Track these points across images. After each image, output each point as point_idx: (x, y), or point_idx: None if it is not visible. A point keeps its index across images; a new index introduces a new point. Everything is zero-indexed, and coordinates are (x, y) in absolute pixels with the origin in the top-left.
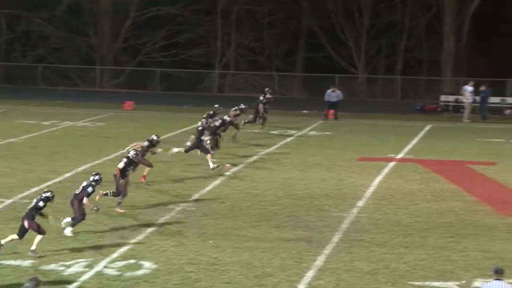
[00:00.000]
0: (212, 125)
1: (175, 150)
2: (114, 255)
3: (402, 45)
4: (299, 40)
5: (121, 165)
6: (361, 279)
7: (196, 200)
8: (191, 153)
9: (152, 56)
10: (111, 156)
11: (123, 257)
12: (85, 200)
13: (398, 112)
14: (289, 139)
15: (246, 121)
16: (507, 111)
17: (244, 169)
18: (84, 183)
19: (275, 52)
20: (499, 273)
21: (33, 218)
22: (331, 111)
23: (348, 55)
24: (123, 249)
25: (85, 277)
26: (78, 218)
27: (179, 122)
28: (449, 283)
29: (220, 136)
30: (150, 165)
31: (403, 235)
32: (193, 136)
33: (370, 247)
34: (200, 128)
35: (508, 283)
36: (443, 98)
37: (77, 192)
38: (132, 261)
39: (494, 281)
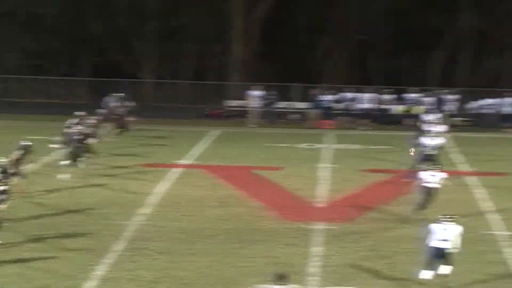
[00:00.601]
0: (85, 131)
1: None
2: None
3: (190, 49)
4: (85, 44)
5: None
6: None
7: None
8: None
9: None
10: None
11: None
12: None
13: (186, 117)
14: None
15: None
16: (293, 116)
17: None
18: None
19: (61, 56)
20: (281, 279)
21: None
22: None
23: (136, 59)
24: None
25: None
26: None
27: None
28: None
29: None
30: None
31: (188, 242)
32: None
33: (154, 255)
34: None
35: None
36: (229, 103)
37: None
38: None
39: (276, 287)
